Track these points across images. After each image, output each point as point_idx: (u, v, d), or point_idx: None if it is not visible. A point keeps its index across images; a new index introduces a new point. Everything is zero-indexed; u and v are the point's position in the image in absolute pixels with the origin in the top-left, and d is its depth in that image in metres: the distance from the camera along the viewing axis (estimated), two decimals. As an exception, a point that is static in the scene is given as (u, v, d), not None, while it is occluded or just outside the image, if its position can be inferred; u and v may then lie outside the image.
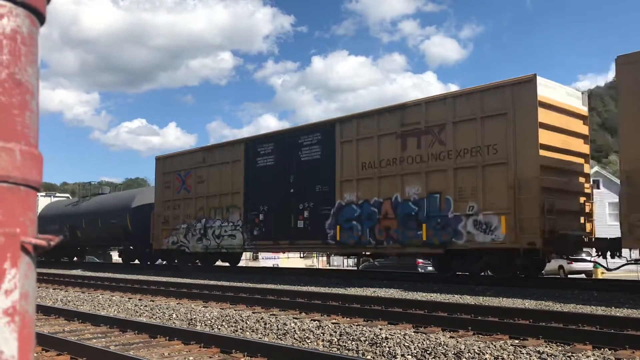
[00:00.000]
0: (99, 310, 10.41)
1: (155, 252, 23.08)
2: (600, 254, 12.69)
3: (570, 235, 12.63)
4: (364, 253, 16.48)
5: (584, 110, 13.71)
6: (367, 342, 6.47)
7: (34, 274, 0.76)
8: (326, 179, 15.98)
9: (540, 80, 12.42)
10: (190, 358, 6.07)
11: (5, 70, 0.73)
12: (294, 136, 17.16)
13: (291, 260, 34.35)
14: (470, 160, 13.07)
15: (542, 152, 12.23)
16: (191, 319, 8.75)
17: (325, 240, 16.03)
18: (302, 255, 23.08)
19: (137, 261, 25.68)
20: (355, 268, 23.81)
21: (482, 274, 14.11)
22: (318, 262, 39.26)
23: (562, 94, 13.07)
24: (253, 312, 9.17)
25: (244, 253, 21.69)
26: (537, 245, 11.96)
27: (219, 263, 22.60)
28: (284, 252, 21.87)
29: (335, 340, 6.77)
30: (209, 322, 8.43)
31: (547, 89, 12.67)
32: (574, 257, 14.39)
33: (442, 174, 13.54)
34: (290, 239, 17.05)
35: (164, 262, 24.19)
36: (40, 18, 0.81)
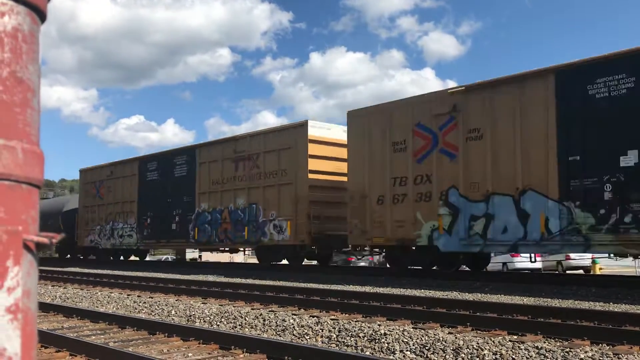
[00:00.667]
0: (97, 306, 10.42)
1: (79, 249, 27.66)
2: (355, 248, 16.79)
3: (336, 235, 16.73)
4: (220, 249, 21.24)
5: None
6: (366, 338, 6.48)
7: (35, 272, 0.76)
8: (190, 191, 20.73)
9: (312, 123, 17.34)
10: (190, 354, 6.08)
11: (6, 68, 0.73)
12: (171, 157, 21.89)
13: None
14: (273, 180, 17.86)
15: (312, 176, 16.92)
16: (190, 316, 8.76)
17: (188, 240, 20.76)
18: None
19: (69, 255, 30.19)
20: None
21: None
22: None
23: (339, 131, 17.37)
24: (252, 309, 9.18)
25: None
26: (305, 242, 16.79)
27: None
28: (183, 249, 27.43)
29: (334, 336, 6.78)
30: (208, 318, 8.44)
31: (320, 130, 17.51)
32: (341, 251, 18.63)
33: (257, 190, 18.29)
34: (168, 238, 21.69)
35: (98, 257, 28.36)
36: (41, 16, 0.81)
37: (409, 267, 14.99)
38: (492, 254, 15.76)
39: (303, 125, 17.19)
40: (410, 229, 13.78)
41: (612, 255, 12.26)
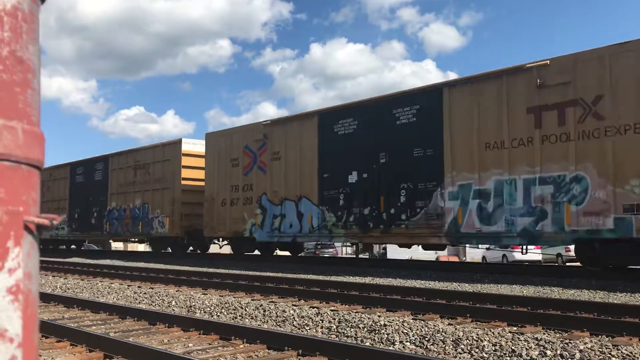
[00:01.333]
0: (98, 297, 10.44)
1: None
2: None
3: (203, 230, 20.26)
4: (131, 240, 26.55)
5: None
6: (365, 329, 6.50)
7: (36, 254, 0.76)
8: (104, 192, 25.17)
9: (186, 140, 21.89)
10: (190, 344, 6.10)
11: (6, 47, 0.72)
12: (93, 163, 26.33)
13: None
14: (158, 185, 22.27)
15: (184, 182, 21.39)
16: (190, 306, 8.78)
17: (102, 232, 25.39)
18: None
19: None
20: (354, 256, 25.72)
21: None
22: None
23: None
24: (252, 300, 9.20)
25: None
26: (180, 235, 21.52)
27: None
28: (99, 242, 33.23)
29: (334, 327, 6.79)
30: (208, 309, 8.46)
31: (193, 145, 21.87)
32: (212, 243, 22.39)
33: (148, 193, 22.71)
34: (89, 231, 26.20)
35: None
36: (41, -5, 0.79)
37: (245, 253, 20.07)
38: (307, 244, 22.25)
39: (178, 142, 21.94)
40: (240, 225, 18.54)
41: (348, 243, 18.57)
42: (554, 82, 11.72)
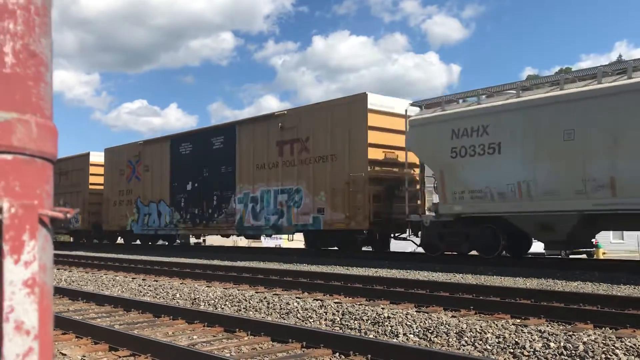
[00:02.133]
0: (103, 290, 10.49)
1: None
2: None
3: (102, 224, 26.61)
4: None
5: None
6: (369, 322, 6.52)
7: (51, 247, 0.76)
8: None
9: (93, 153, 27.54)
10: (195, 337, 6.13)
11: (19, 41, 0.72)
12: None
13: (292, 241, 34.66)
14: (75, 189, 27.81)
15: (92, 187, 27.32)
16: (195, 299, 8.81)
17: None
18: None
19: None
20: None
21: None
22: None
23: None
24: (256, 292, 9.23)
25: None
26: (87, 228, 27.61)
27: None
28: None
29: (338, 319, 6.82)
30: (213, 301, 8.49)
31: (99, 157, 27.22)
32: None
33: (69, 195, 27.84)
34: None
35: None
36: (53, -11, 0.79)
37: (132, 242, 26.55)
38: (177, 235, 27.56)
39: (87, 155, 27.61)
40: (124, 220, 24.90)
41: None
42: (288, 125, 17.83)
